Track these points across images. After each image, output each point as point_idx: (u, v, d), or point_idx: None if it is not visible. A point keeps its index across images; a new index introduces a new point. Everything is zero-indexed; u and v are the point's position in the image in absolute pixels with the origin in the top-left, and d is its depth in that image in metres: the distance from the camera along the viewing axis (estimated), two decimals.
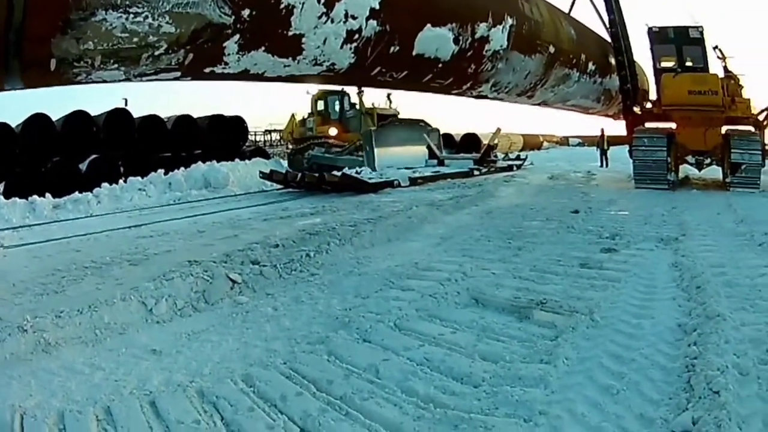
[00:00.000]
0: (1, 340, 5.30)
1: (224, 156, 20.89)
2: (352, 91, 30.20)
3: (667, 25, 19.34)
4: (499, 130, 27.15)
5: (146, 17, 6.83)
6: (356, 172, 19.88)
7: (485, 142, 31.25)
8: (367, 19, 9.81)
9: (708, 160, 18.71)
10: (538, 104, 21.39)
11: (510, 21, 14.21)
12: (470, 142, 32.08)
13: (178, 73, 8.21)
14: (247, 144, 26.83)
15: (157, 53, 7.31)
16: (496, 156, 29.12)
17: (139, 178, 16.99)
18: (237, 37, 8.12)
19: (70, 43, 6.28)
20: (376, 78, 11.94)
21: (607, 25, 21.16)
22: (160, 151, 21.28)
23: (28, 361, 5.18)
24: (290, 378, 4.64)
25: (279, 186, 18.24)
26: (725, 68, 19.09)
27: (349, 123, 30.88)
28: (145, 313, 6.37)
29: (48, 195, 14.19)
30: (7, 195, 14.31)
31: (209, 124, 23.46)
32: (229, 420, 4.01)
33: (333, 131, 30.09)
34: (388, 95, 32.02)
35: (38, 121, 18.42)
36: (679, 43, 19.18)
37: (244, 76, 9.17)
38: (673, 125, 18.60)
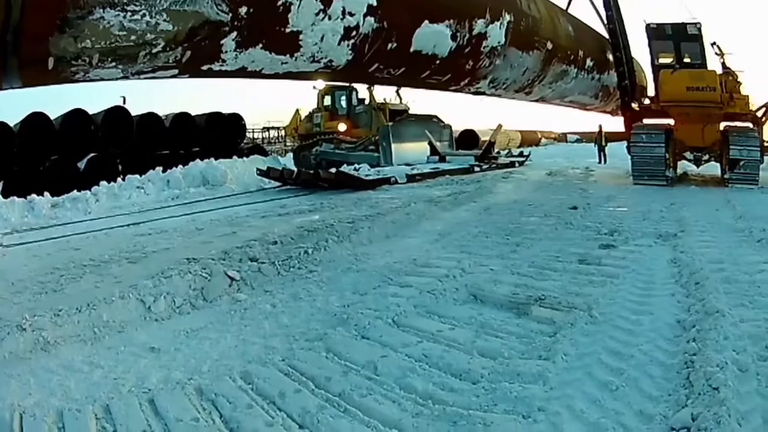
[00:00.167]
0: (0, 339, 5.31)
1: (222, 153, 20.80)
2: (359, 85, 30.00)
3: (665, 21, 19.35)
4: (500, 126, 27.08)
5: (144, 15, 6.83)
6: (355, 169, 19.87)
7: (483, 138, 31.22)
8: (365, 15, 9.81)
9: (706, 157, 18.75)
10: (536, 100, 21.38)
11: (508, 17, 14.20)
12: (468, 138, 32.06)
13: (176, 71, 8.20)
14: (245, 141, 26.73)
15: (154, 51, 7.31)
16: (498, 153, 29.06)
17: (137, 176, 16.91)
18: (234, 34, 8.12)
19: (68, 42, 6.28)
20: (374, 75, 11.95)
21: (605, 22, 21.15)
22: (159, 148, 21.21)
23: (27, 359, 5.19)
24: (289, 375, 4.66)
25: (277, 183, 18.23)
26: (723, 65, 19.10)
27: (358, 118, 30.70)
28: (143, 310, 6.38)
29: (46, 194, 14.15)
30: (6, 194, 14.27)
31: (207, 122, 23.38)
32: (227, 417, 4.02)
33: (342, 127, 30.01)
34: (397, 90, 31.69)
35: (36, 119, 18.37)
36: (677, 39, 19.16)
37: (242, 73, 9.17)
38: (671, 121, 18.66)
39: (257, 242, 8.96)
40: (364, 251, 9.07)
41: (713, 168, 19.02)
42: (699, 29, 18.94)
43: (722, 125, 18.15)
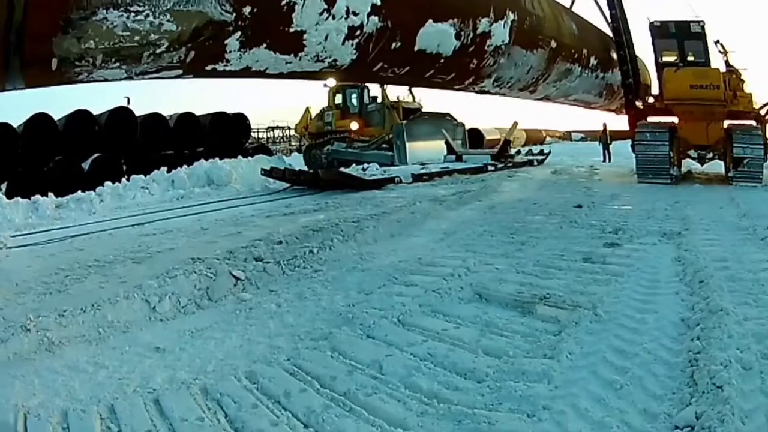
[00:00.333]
0: (5, 339, 5.30)
1: (227, 153, 20.80)
2: (371, 83, 29.65)
3: (669, 19, 19.31)
4: (516, 124, 26.69)
5: (147, 16, 6.82)
6: (363, 169, 19.80)
7: (489, 137, 31.07)
8: (369, 15, 9.80)
9: (710, 155, 18.71)
10: (541, 99, 21.35)
11: (511, 16, 14.18)
12: (474, 137, 31.91)
13: (180, 71, 8.20)
14: (249, 141, 26.71)
15: (158, 51, 7.31)
16: (518, 151, 28.85)
17: (141, 176, 16.92)
18: (238, 34, 8.11)
19: (72, 42, 6.28)
20: (378, 74, 11.94)
21: (609, 20, 21.12)
22: (163, 149, 21.22)
23: (32, 360, 5.18)
24: (294, 374, 4.65)
25: (282, 183, 18.20)
26: (727, 63, 19.04)
27: (370, 117, 30.38)
28: (148, 311, 6.37)
29: (50, 194, 14.15)
30: (10, 195, 14.28)
31: (212, 122, 23.37)
32: (232, 417, 4.01)
33: (354, 125, 29.73)
34: (410, 88, 31.13)
35: (40, 120, 18.34)
36: (681, 37, 19.15)
37: (246, 73, 9.16)
38: (676, 120, 18.63)
39: (262, 242, 8.96)
40: (369, 250, 9.06)
41: (717, 166, 18.97)
42: (702, 27, 18.93)
43: (726, 123, 18.12)
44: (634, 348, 4.80)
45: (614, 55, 21.43)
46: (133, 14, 6.67)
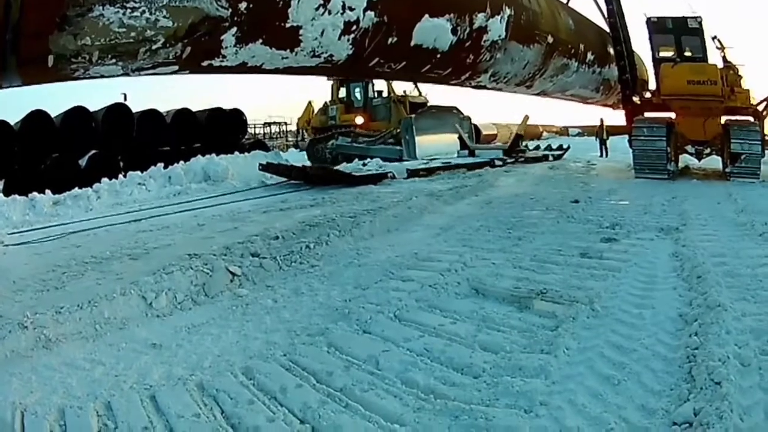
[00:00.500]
0: (2, 337, 5.31)
1: (223, 149, 20.75)
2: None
3: (666, 15, 19.31)
4: (527, 117, 26.46)
5: (143, 12, 6.80)
6: (364, 164, 19.76)
7: (486, 132, 30.95)
8: (365, 10, 9.76)
9: (708, 150, 18.71)
10: (537, 94, 21.30)
11: (508, 11, 14.14)
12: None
13: (176, 67, 8.18)
14: (246, 137, 26.64)
15: (154, 47, 7.28)
16: (527, 146, 28.68)
17: (138, 172, 16.88)
18: (234, 30, 8.08)
19: (68, 39, 6.26)
20: (375, 69, 11.90)
21: (606, 15, 21.11)
22: (160, 145, 21.15)
23: (29, 357, 5.19)
24: (290, 370, 4.67)
25: (279, 178, 18.21)
26: (724, 58, 19.03)
27: (375, 111, 30.32)
28: (145, 307, 6.39)
29: (48, 191, 14.12)
30: (7, 192, 14.27)
31: (208, 118, 23.29)
32: (229, 413, 4.03)
33: (359, 120, 29.61)
34: (416, 83, 30.68)
35: (37, 117, 18.30)
36: (678, 33, 19.12)
37: (242, 68, 9.13)
38: (673, 115, 18.64)
39: (259, 237, 8.96)
40: (366, 245, 9.07)
41: (715, 162, 18.98)
42: (700, 23, 18.91)
43: (723, 119, 18.12)
44: (632, 343, 4.81)
45: (611, 51, 21.38)
46: (129, 10, 6.64)
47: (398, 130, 23.60)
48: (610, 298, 6.03)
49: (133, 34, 6.83)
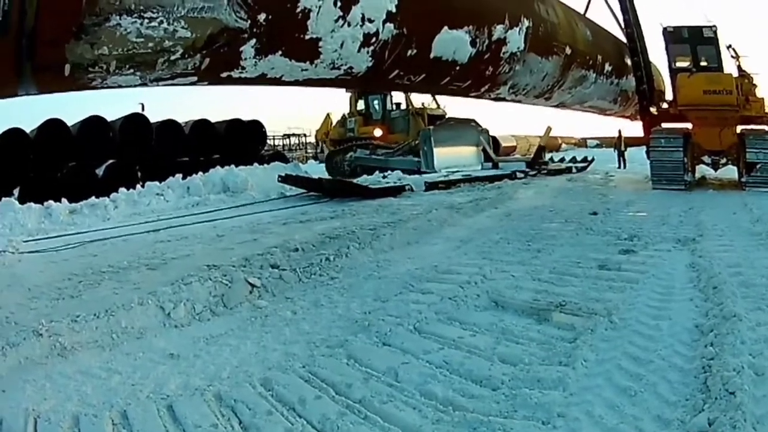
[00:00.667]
0: (17, 344, 5.30)
1: (243, 160, 20.80)
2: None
3: (682, 24, 19.27)
4: (549, 129, 26.55)
5: (161, 22, 6.81)
6: (384, 176, 19.73)
7: (505, 144, 30.86)
8: (384, 22, 9.76)
9: (724, 160, 18.67)
10: (556, 106, 21.27)
11: (526, 23, 14.12)
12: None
13: (195, 78, 8.19)
14: (265, 148, 26.68)
15: (173, 58, 7.30)
16: (551, 158, 28.61)
17: (156, 182, 16.95)
18: (254, 41, 8.09)
19: (85, 48, 6.28)
20: (394, 81, 11.90)
21: (623, 26, 21.10)
22: (178, 155, 21.24)
23: (43, 364, 5.18)
24: (309, 381, 4.63)
25: (298, 190, 18.23)
26: (739, 67, 19.04)
27: (394, 123, 30.32)
28: (162, 317, 6.37)
29: (64, 200, 14.15)
30: (22, 200, 14.31)
31: (227, 129, 23.40)
32: (247, 424, 3.99)
33: (378, 132, 29.60)
34: (434, 95, 30.61)
35: (53, 126, 18.39)
36: (694, 42, 19.10)
37: (262, 80, 9.14)
38: (689, 125, 18.58)
39: (278, 249, 8.95)
40: (386, 258, 9.04)
41: (731, 171, 18.90)
42: (715, 32, 18.89)
43: (739, 128, 18.07)
44: (649, 355, 4.79)
45: (628, 61, 21.35)
46: (146, 21, 6.65)
47: (416, 142, 23.57)
48: (628, 309, 5.98)
49: (151, 44, 6.84)
